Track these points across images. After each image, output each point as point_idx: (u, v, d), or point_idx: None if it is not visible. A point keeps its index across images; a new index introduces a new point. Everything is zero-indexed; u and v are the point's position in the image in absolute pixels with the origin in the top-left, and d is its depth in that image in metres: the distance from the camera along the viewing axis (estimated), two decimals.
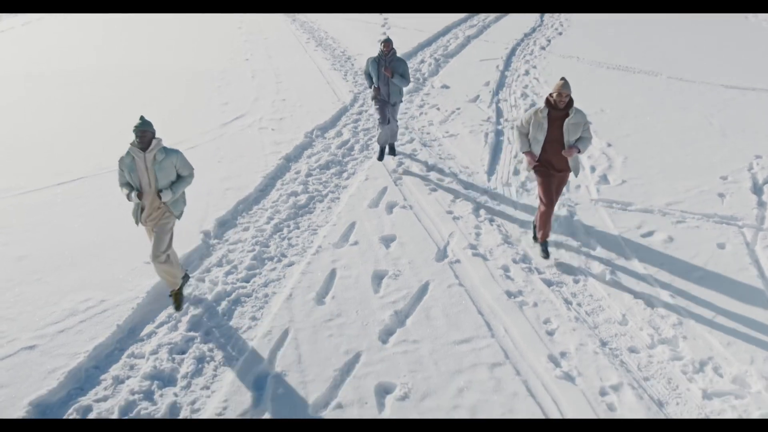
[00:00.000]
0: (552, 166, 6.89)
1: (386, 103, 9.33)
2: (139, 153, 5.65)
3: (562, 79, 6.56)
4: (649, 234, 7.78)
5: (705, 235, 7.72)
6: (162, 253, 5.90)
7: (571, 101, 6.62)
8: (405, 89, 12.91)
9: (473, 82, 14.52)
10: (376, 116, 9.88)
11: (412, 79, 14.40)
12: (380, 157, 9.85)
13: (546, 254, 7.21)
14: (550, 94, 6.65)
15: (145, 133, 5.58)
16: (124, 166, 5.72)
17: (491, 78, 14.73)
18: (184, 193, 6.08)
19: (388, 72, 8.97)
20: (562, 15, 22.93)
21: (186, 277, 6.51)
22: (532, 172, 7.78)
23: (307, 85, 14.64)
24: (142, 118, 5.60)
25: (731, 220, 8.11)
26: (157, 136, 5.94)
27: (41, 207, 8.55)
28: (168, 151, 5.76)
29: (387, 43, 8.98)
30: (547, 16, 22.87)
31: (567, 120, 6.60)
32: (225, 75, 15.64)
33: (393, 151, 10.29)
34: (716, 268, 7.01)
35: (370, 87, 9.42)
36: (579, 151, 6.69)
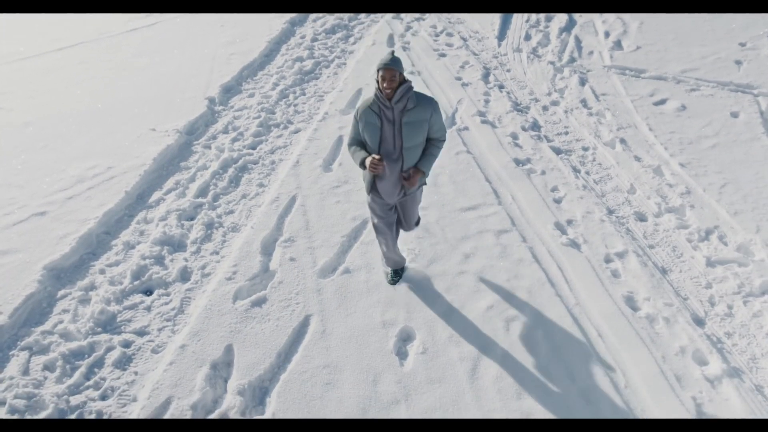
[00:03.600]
0: None
1: (398, 197, 4.04)
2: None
3: None
4: (662, 102, 7.25)
5: (719, 104, 7.18)
6: None
7: None
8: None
9: None
10: (375, 225, 4.29)
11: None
12: (395, 277, 4.65)
13: None
14: None
15: None
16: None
17: None
18: None
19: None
20: None
21: None
22: None
23: None
24: None
25: (747, 88, 7.51)
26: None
27: (42, 73, 8.00)
28: None
29: (389, 68, 3.51)
30: None
31: None
32: None
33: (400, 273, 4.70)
34: (728, 137, 6.56)
35: (362, 165, 3.84)
36: None
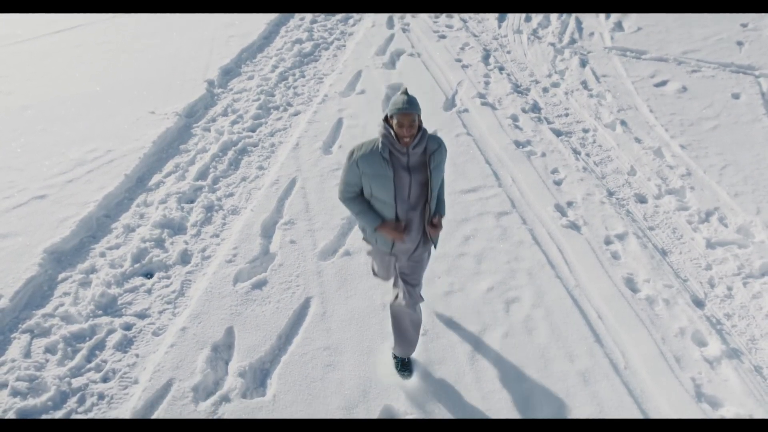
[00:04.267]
0: None
1: (411, 255, 3.41)
2: None
3: None
4: (663, 83, 7.16)
5: (720, 85, 7.10)
6: None
7: None
8: None
9: None
10: (380, 274, 3.86)
11: None
12: (405, 369, 3.70)
13: None
14: None
15: None
16: None
17: None
18: None
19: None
20: None
21: None
22: None
23: None
24: None
25: (748, 69, 7.42)
26: None
27: (40, 56, 7.90)
28: None
29: (408, 113, 2.93)
30: None
31: None
32: None
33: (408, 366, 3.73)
34: (729, 118, 6.49)
35: (364, 228, 3.39)
36: None
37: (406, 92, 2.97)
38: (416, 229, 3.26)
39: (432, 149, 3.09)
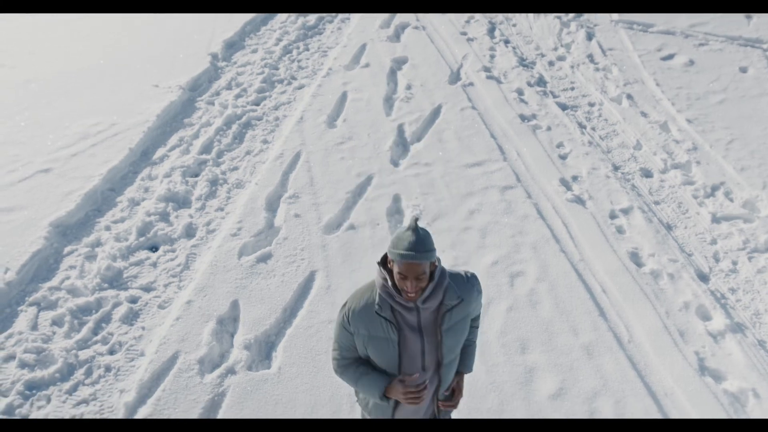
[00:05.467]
0: None
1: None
2: None
3: None
4: (670, 57, 6.99)
5: (727, 58, 6.93)
6: None
7: None
8: None
9: None
10: None
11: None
12: None
13: None
14: None
15: None
16: None
17: None
18: None
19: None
20: None
21: None
22: None
23: None
24: None
25: (756, 42, 7.23)
26: None
27: (43, 29, 7.75)
28: None
29: (415, 263, 1.89)
30: None
31: None
32: None
33: None
34: (736, 92, 6.34)
35: (383, 397, 2.17)
36: None
37: (415, 227, 1.94)
38: (429, 398, 2.27)
39: (450, 304, 2.09)
